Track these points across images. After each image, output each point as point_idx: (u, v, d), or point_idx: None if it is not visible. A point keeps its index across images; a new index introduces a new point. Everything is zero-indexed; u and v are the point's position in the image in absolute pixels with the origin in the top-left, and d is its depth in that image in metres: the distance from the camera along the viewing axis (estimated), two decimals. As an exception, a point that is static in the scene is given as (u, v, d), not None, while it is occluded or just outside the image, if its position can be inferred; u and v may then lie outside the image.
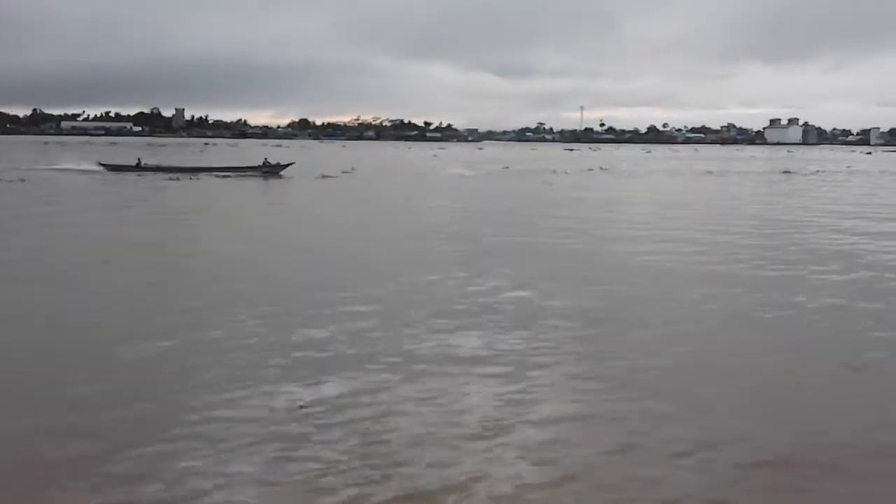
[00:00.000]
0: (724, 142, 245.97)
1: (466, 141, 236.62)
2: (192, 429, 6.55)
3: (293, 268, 14.58)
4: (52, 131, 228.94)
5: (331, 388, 7.61)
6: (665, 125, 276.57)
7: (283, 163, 46.29)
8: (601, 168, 64.74)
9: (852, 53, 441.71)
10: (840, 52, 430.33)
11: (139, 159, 44.79)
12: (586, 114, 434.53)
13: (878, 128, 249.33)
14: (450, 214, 25.36)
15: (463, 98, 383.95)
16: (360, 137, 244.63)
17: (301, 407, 7.08)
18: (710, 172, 61.53)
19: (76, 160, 48.69)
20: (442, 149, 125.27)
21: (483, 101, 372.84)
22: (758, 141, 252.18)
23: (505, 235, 19.50)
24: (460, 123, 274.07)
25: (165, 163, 48.40)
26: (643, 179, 51.80)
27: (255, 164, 44.83)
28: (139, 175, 41.75)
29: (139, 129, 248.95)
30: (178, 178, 40.13)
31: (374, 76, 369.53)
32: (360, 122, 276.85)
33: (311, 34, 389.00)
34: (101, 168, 44.32)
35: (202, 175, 42.57)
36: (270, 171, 44.01)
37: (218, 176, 42.51)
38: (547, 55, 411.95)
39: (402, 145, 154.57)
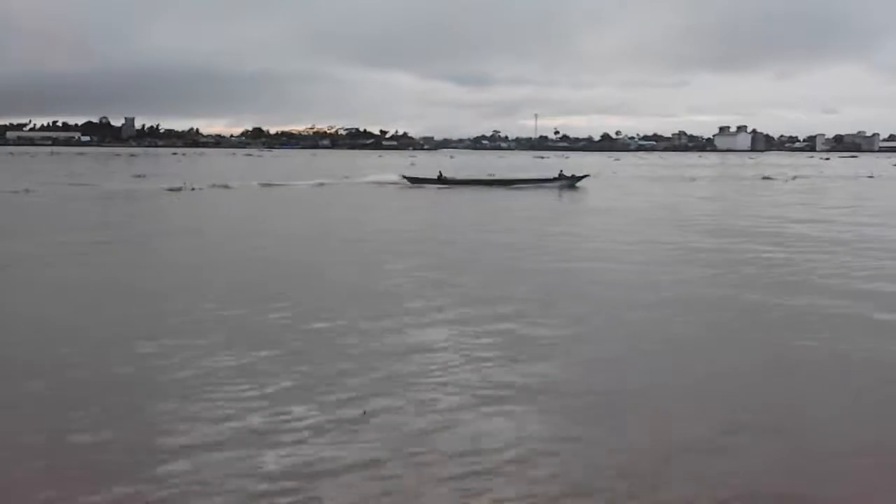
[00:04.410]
0: (675, 149, 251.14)
1: (423, 149, 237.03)
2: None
3: None
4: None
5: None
6: (618, 133, 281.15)
7: (578, 174, 46.98)
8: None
9: (799, 63, 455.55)
10: (787, 62, 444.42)
11: (440, 172, 46.27)
12: (540, 122, 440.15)
13: (824, 134, 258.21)
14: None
15: (418, 107, 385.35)
16: (316, 146, 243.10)
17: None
18: (693, 179, 62.72)
19: (378, 173, 51.53)
20: (413, 156, 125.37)
21: (438, 109, 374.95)
22: (708, 148, 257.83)
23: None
24: (416, 132, 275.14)
25: (459, 176, 48.71)
26: (649, 186, 52.30)
27: (552, 177, 45.81)
28: (438, 188, 42.82)
29: (87, 138, 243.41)
30: (487, 191, 41.95)
31: (330, 85, 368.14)
32: (315, 130, 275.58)
33: (267, 44, 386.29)
34: (405, 181, 45.67)
35: (499, 188, 43.91)
36: (568, 182, 44.77)
37: (519, 188, 43.53)
38: (504, 65, 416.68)
39: (372, 154, 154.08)
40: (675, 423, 7.03)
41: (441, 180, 44.51)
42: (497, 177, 50.92)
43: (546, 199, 37.55)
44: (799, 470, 6.15)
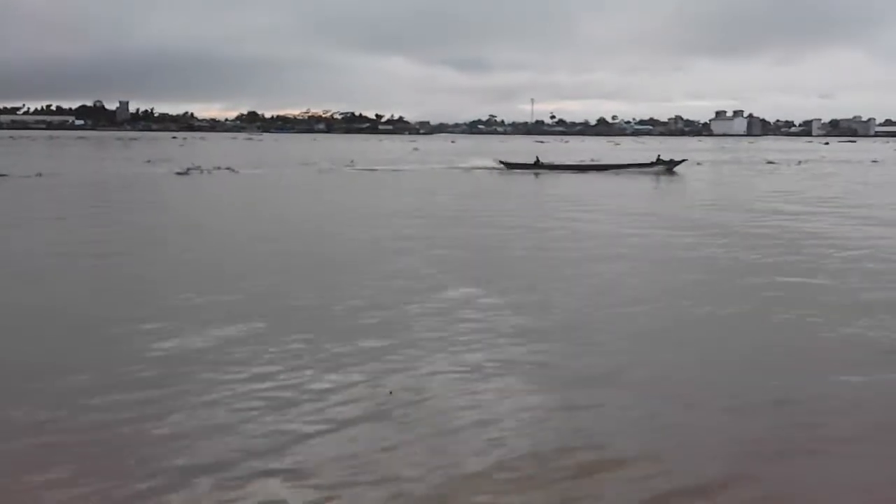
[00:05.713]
0: (671, 133, 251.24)
1: (419, 133, 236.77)
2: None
3: None
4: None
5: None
6: (614, 117, 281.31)
7: (675, 159, 46.51)
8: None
9: (797, 50, 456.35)
10: (785, 47, 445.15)
11: (537, 158, 46.48)
12: (536, 106, 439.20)
13: (820, 119, 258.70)
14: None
15: (415, 92, 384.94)
16: (311, 130, 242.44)
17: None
18: (699, 164, 62.41)
19: (479, 159, 51.45)
20: (413, 141, 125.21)
21: (435, 94, 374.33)
22: (704, 133, 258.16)
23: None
24: (411, 116, 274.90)
25: (556, 161, 48.95)
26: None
27: (649, 162, 45.49)
28: (536, 173, 42.62)
29: (81, 122, 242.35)
30: (591, 176, 41.32)
31: (327, 70, 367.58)
32: (310, 114, 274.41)
33: (265, 29, 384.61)
34: (502, 166, 45.68)
35: (593, 173, 43.70)
36: (665, 167, 44.40)
37: (616, 174, 43.36)
38: (503, 50, 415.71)
39: (371, 138, 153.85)
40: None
41: (538, 165, 44.85)
42: (591, 162, 51.11)
43: (652, 184, 37.06)
44: None
